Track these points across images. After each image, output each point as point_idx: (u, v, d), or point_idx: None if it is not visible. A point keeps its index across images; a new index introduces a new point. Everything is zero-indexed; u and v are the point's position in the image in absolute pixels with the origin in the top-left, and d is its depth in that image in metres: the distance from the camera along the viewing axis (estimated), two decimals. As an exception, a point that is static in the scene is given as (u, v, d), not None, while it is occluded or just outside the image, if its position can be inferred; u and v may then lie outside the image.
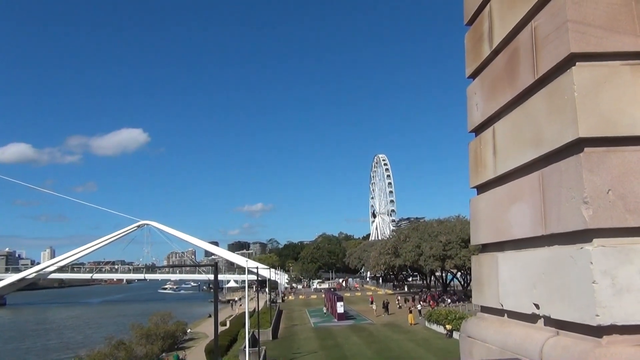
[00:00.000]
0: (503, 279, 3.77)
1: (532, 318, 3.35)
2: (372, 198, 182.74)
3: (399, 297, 75.85)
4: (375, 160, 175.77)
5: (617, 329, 2.64)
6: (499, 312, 3.89)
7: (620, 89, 2.84)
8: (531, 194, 3.32)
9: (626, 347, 2.60)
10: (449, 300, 64.65)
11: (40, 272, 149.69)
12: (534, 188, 3.28)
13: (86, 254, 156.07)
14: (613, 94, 2.83)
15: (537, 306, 3.24)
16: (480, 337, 4.04)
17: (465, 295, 68.53)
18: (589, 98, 2.82)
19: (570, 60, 2.91)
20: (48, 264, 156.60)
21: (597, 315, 2.62)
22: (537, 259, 3.25)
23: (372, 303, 66.81)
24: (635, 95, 2.83)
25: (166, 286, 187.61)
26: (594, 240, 2.73)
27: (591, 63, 2.88)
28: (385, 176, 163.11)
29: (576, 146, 2.85)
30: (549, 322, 3.15)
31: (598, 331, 2.67)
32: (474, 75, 4.39)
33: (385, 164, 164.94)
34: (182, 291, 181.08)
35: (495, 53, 3.90)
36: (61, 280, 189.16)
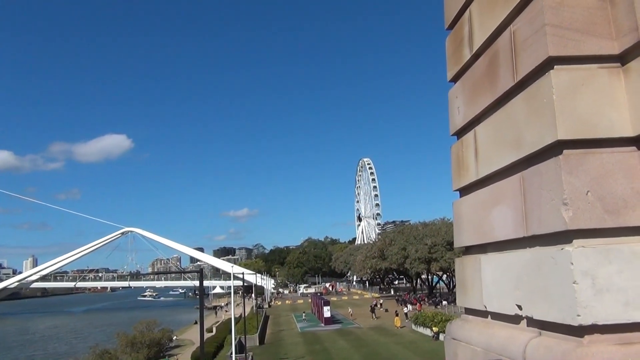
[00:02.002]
0: (486, 281, 3.80)
1: (515, 319, 3.38)
2: (358, 202, 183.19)
3: (382, 301, 76.13)
4: (360, 164, 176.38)
5: (598, 329, 2.66)
6: (483, 313, 3.91)
7: (597, 92, 2.88)
8: (512, 196, 3.35)
9: (607, 347, 2.63)
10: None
11: (22, 282, 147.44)
12: (515, 190, 3.31)
13: (69, 262, 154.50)
14: (591, 97, 2.87)
15: (519, 307, 3.26)
16: (465, 339, 4.06)
17: (451, 297, 68.70)
18: (568, 101, 2.86)
19: (549, 64, 2.94)
20: (30, 273, 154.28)
21: (579, 315, 2.65)
22: (519, 260, 3.28)
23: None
24: (612, 97, 2.87)
25: (145, 293, 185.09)
26: (574, 241, 2.76)
27: (569, 66, 2.92)
28: (371, 180, 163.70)
29: (555, 148, 2.88)
30: (532, 322, 3.18)
31: (580, 331, 2.70)
32: (455, 79, 4.43)
33: (370, 168, 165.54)
34: (161, 298, 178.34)
35: (476, 57, 3.94)
36: (44, 289, 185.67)
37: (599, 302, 2.65)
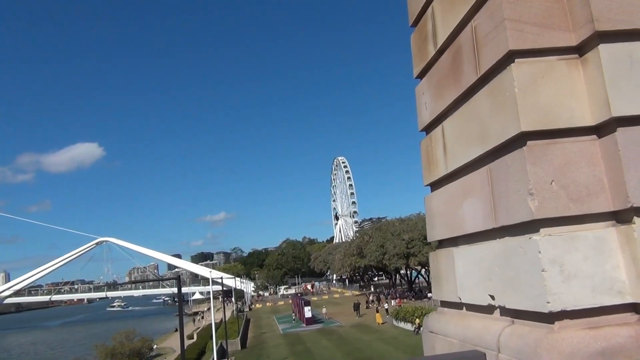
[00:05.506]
0: (459, 273, 3.85)
1: (488, 309, 3.44)
2: (334, 201, 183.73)
3: (370, 297, 76.40)
4: (335, 163, 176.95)
5: (568, 314, 2.73)
6: (458, 305, 3.97)
7: (557, 83, 2.95)
8: (481, 189, 3.41)
9: (577, 331, 2.70)
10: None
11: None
12: (484, 183, 3.37)
13: (43, 276, 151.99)
14: (551, 88, 2.94)
15: (492, 297, 3.32)
16: (442, 331, 4.10)
17: (430, 291, 69.38)
18: (529, 93, 2.92)
19: (510, 57, 3.00)
20: (3, 289, 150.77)
21: (548, 302, 2.71)
22: (490, 251, 3.34)
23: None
24: (572, 88, 2.94)
25: (114, 304, 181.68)
26: (541, 230, 2.82)
27: (529, 59, 2.99)
28: (346, 178, 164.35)
29: (519, 140, 2.94)
30: (505, 312, 3.24)
31: (550, 318, 2.76)
32: (421, 75, 4.47)
33: (345, 166, 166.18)
34: (129, 307, 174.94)
35: (440, 53, 3.99)
36: (18, 305, 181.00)
37: (567, 289, 2.71)
